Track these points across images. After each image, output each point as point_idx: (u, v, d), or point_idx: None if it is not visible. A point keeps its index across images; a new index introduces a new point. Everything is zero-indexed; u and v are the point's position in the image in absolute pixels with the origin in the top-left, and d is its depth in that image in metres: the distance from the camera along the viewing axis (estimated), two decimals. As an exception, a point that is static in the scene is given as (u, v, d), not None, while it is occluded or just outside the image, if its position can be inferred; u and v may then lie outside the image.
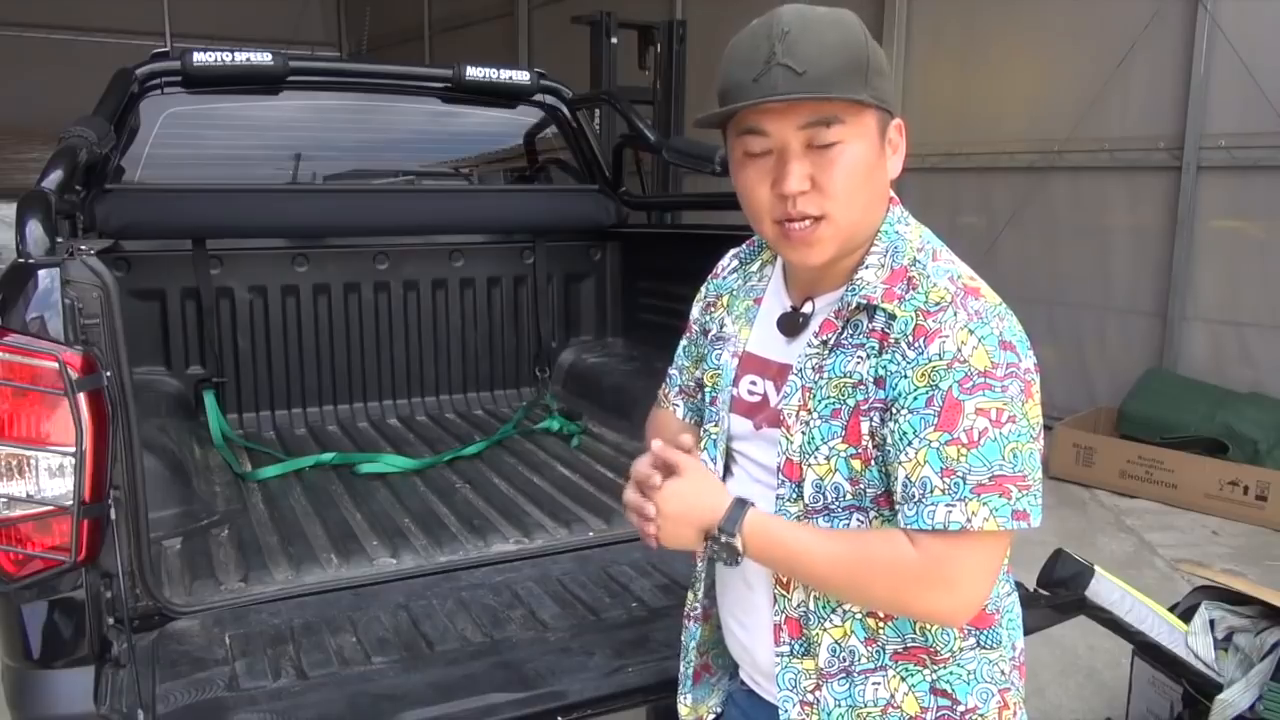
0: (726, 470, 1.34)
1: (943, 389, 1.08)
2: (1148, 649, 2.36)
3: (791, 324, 1.26)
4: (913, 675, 1.20)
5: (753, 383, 1.29)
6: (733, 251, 1.45)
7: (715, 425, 1.34)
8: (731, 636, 1.37)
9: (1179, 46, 5.11)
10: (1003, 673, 1.23)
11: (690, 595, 1.45)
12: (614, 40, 6.78)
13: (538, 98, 3.47)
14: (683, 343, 1.50)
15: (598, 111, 5.65)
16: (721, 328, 1.37)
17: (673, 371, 1.53)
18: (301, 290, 3.13)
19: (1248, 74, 4.79)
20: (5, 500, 1.46)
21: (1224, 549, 4.27)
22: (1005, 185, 5.93)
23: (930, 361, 1.10)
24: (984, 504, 1.08)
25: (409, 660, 1.67)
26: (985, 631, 1.22)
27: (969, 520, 1.07)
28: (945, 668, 1.20)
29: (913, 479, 1.10)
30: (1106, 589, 2.17)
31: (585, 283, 3.58)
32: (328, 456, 2.72)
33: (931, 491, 1.08)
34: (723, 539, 1.15)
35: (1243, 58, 4.81)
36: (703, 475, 1.21)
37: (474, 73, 3.28)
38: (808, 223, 1.15)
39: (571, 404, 3.30)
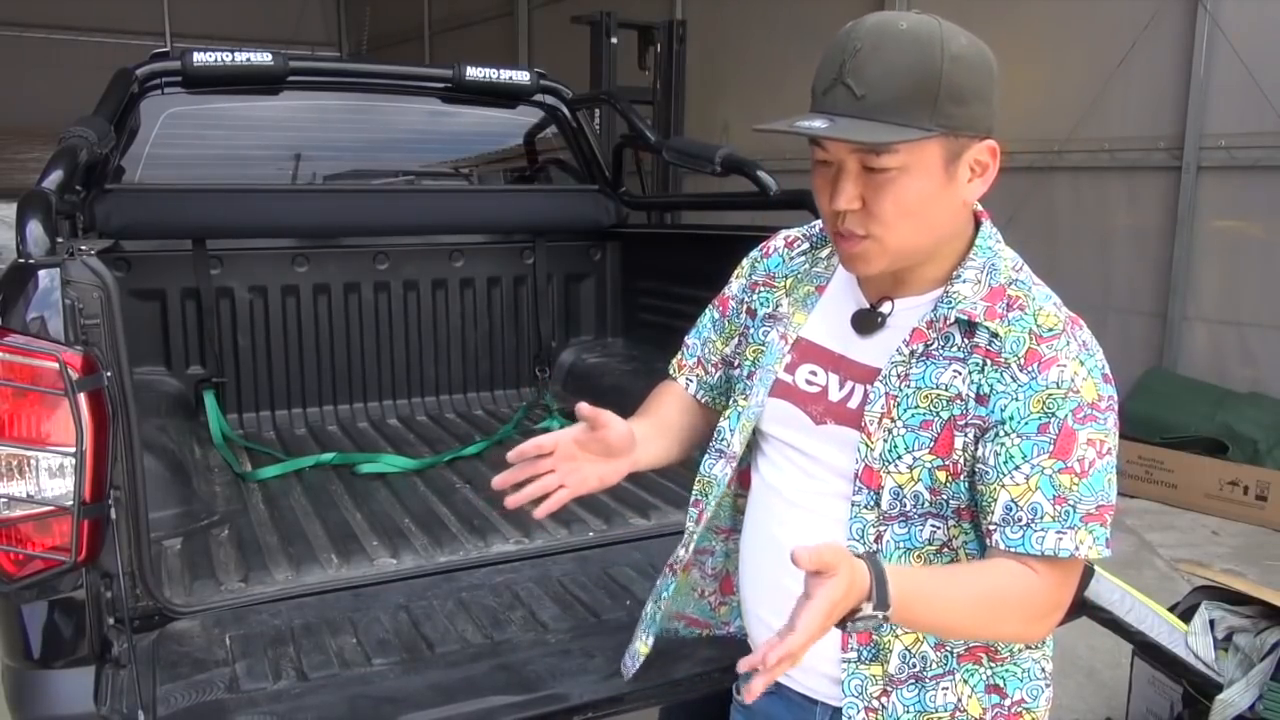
0: (756, 448, 1.34)
1: (1059, 417, 1.09)
2: (1148, 649, 2.35)
3: (869, 323, 1.23)
4: (973, 676, 1.21)
5: (812, 373, 1.26)
6: (786, 233, 1.42)
7: (745, 399, 1.32)
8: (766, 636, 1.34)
9: (1179, 46, 5.10)
10: (1045, 670, 1.27)
11: (680, 550, 1.45)
12: (614, 40, 6.78)
13: (538, 98, 3.46)
14: (713, 314, 1.47)
15: (598, 111, 5.65)
16: (777, 308, 1.34)
17: (692, 340, 1.49)
18: (301, 290, 3.12)
19: (1248, 74, 4.79)
20: (5, 500, 1.45)
21: (1224, 549, 4.27)
22: (1005, 185, 5.77)
23: (1047, 389, 1.10)
24: (1089, 532, 1.10)
25: (409, 662, 1.67)
26: None
27: (1077, 548, 1.10)
28: (1002, 665, 1.22)
29: (1020, 503, 1.10)
30: (1106, 589, 2.17)
31: (585, 283, 3.58)
32: (328, 456, 2.72)
33: (1042, 518, 1.09)
34: (879, 616, 0.99)
35: (1243, 58, 4.81)
36: (850, 560, 0.98)
37: (474, 73, 3.27)
38: (854, 239, 1.14)
39: (571, 404, 3.28)
